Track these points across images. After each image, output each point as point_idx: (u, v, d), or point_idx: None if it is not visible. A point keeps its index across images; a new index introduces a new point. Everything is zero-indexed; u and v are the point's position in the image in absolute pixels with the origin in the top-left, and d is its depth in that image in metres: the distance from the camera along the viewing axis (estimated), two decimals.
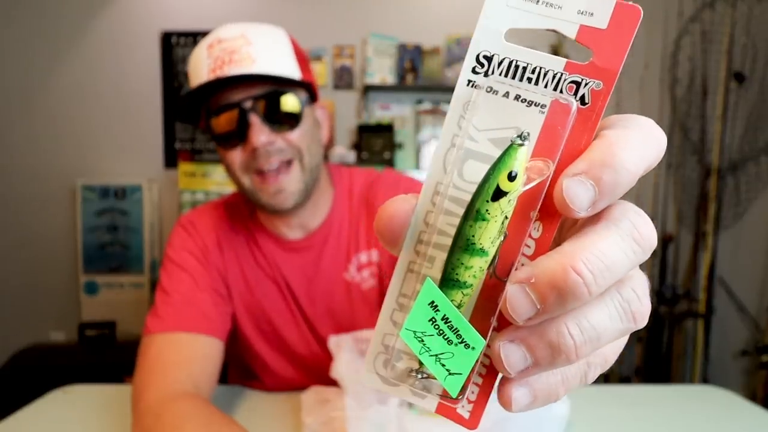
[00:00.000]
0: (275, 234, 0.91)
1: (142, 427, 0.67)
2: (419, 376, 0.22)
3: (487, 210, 0.20)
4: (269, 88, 0.79)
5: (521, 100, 0.21)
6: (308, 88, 0.85)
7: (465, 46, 2.74)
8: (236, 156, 0.81)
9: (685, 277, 2.76)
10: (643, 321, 0.21)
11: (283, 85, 0.80)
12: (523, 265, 0.21)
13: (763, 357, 2.58)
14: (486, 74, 0.21)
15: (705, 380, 2.62)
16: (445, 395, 0.22)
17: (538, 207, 0.21)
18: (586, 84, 0.20)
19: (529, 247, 0.21)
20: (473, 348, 0.21)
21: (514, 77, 0.21)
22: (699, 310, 2.59)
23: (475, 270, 0.21)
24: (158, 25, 2.76)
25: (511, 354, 0.20)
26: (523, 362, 0.20)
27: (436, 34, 2.77)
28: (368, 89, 2.74)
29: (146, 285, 2.70)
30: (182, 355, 0.77)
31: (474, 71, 0.21)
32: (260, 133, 0.78)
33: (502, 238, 0.20)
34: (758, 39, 2.67)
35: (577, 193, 0.19)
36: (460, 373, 0.21)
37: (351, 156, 2.67)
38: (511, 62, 0.21)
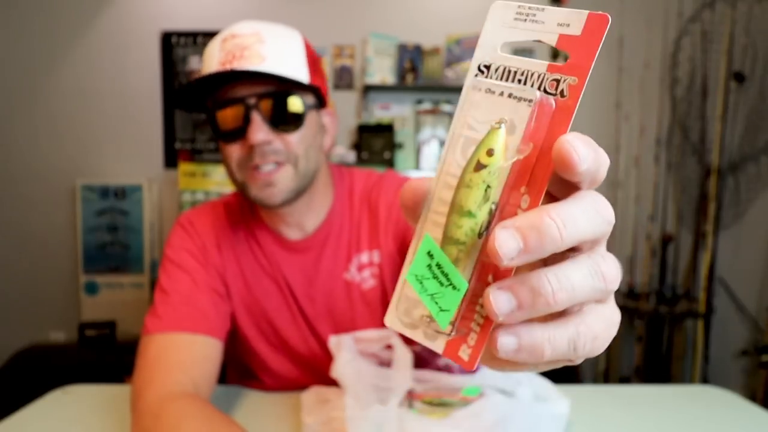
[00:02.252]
0: (276, 233, 0.91)
1: (142, 428, 0.67)
2: (429, 320, 0.27)
3: (470, 179, 0.25)
4: (275, 88, 0.79)
5: (513, 97, 0.25)
6: (317, 93, 0.85)
7: (465, 46, 2.74)
8: (234, 151, 0.81)
9: (685, 277, 2.76)
10: (612, 282, 0.25)
11: (289, 86, 0.80)
12: None
13: (763, 357, 2.58)
14: (486, 79, 0.27)
15: (705, 380, 2.62)
16: (451, 342, 0.27)
17: (524, 181, 0.25)
18: (564, 80, 0.25)
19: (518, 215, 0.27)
20: (458, 289, 0.26)
21: (507, 80, 0.26)
22: (699, 310, 2.59)
23: (465, 229, 0.25)
24: (158, 25, 2.76)
25: (498, 298, 0.24)
26: (508, 305, 0.24)
27: (436, 34, 2.77)
28: (368, 89, 2.74)
29: (146, 285, 2.70)
30: (181, 356, 0.77)
31: (476, 77, 0.27)
32: (259, 131, 0.78)
33: (490, 204, 0.25)
34: (758, 39, 2.67)
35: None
36: (449, 310, 0.26)
37: (351, 156, 2.67)
38: (505, 68, 0.26)
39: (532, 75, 0.26)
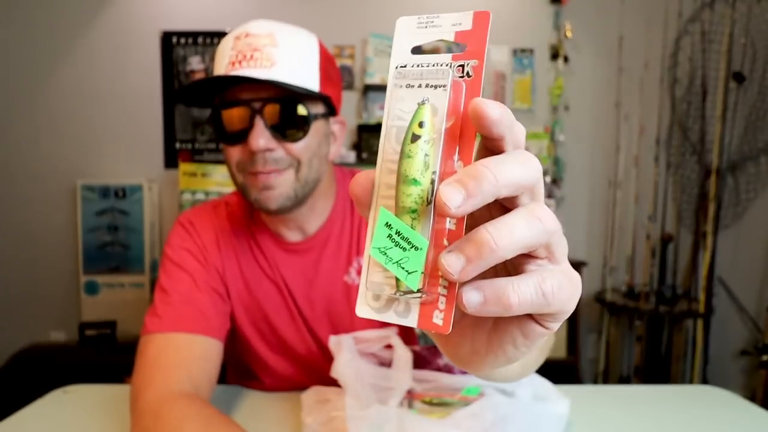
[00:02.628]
0: (276, 234, 0.91)
1: (141, 428, 0.67)
2: (398, 295, 0.29)
3: (410, 149, 0.28)
4: (281, 94, 0.77)
5: (430, 86, 0.29)
6: (327, 102, 0.83)
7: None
8: (235, 153, 0.81)
9: (684, 277, 2.76)
10: (549, 224, 0.28)
11: (296, 94, 0.78)
12: None
13: (762, 357, 2.58)
14: (404, 77, 0.30)
15: (704, 380, 2.62)
16: (423, 313, 0.29)
17: (454, 148, 0.29)
18: (468, 64, 0.30)
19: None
20: (420, 249, 0.28)
21: (422, 73, 0.30)
22: (698, 310, 2.59)
23: (414, 197, 0.28)
24: (158, 25, 2.76)
25: (448, 259, 0.27)
26: (458, 262, 0.26)
27: None
28: (368, 89, 2.74)
29: (146, 285, 2.70)
30: (181, 356, 0.77)
31: (396, 77, 0.31)
32: (260, 137, 0.77)
33: (431, 173, 0.28)
34: (758, 39, 2.67)
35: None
36: (416, 270, 0.28)
37: (351, 156, 2.67)
38: (419, 65, 0.30)
39: (441, 65, 0.30)
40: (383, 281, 0.30)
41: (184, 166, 2.64)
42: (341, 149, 0.92)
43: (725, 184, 2.70)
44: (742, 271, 2.78)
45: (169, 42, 2.77)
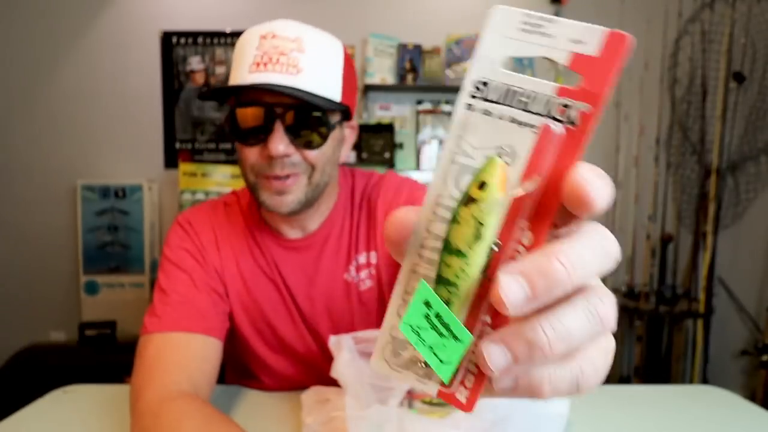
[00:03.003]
0: (275, 232, 0.91)
1: (141, 427, 0.67)
2: (423, 365, 0.25)
3: (459, 214, 0.22)
4: (304, 101, 0.77)
5: (514, 122, 0.23)
6: (346, 109, 0.83)
7: (465, 46, 2.74)
8: (252, 155, 0.80)
9: (684, 277, 2.76)
10: (609, 323, 0.24)
11: (319, 104, 0.78)
12: None
13: (762, 357, 2.58)
14: (484, 99, 0.23)
15: (705, 380, 2.62)
16: (443, 384, 0.25)
17: (526, 216, 0.23)
18: (575, 107, 0.22)
19: (519, 253, 0.24)
20: (461, 341, 0.23)
21: (508, 101, 0.23)
22: (698, 310, 2.59)
23: (455, 269, 0.23)
24: (158, 25, 2.76)
25: (493, 353, 0.23)
26: (504, 359, 0.22)
27: (436, 34, 2.77)
28: (368, 89, 2.74)
29: (146, 285, 2.70)
30: (180, 355, 0.77)
31: (472, 96, 0.24)
32: (280, 143, 0.76)
33: (486, 244, 0.23)
34: (758, 39, 2.67)
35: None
36: (451, 363, 0.24)
37: (351, 156, 2.67)
38: (506, 87, 0.23)
39: (537, 97, 0.23)
40: (407, 339, 0.25)
41: (184, 166, 2.64)
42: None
43: (725, 184, 2.70)
44: (742, 271, 2.78)
45: (169, 42, 2.77)
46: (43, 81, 2.76)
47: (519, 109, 0.23)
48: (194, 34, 2.77)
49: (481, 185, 0.22)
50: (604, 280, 0.26)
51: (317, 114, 0.78)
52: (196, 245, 0.88)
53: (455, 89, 2.75)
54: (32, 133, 2.77)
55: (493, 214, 0.22)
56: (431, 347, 0.24)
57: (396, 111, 2.81)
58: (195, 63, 2.78)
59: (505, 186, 0.22)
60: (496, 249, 0.23)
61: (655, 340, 2.67)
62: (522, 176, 0.23)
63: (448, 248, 0.23)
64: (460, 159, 0.24)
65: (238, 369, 1.00)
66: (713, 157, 2.62)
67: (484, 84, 0.23)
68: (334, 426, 0.70)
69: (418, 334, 0.24)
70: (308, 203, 0.84)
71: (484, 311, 0.24)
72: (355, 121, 0.91)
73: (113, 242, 2.71)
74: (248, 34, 0.80)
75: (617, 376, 2.75)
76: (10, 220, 2.79)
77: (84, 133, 2.78)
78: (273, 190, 0.80)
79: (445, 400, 0.25)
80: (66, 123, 2.77)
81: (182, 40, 2.77)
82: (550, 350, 0.22)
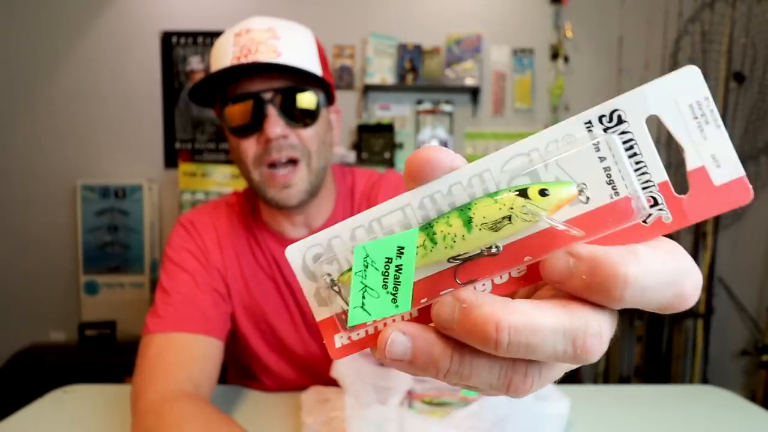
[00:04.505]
0: (277, 232, 0.91)
1: (142, 427, 0.67)
2: (333, 287, 0.23)
3: (500, 194, 0.21)
4: (290, 83, 0.80)
5: (607, 174, 0.21)
6: (326, 90, 0.86)
7: (465, 46, 2.74)
8: (249, 147, 0.81)
9: None
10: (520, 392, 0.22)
11: (303, 82, 0.81)
12: (475, 288, 0.22)
13: (762, 357, 2.58)
14: (605, 129, 0.21)
15: (705, 380, 2.62)
16: (339, 317, 0.23)
17: (530, 260, 0.22)
18: (662, 210, 0.21)
19: (500, 278, 0.22)
20: (397, 307, 0.21)
21: (620, 154, 0.21)
22: (699, 310, 2.59)
23: (448, 232, 0.21)
24: (158, 25, 2.76)
25: (395, 341, 0.21)
26: (401, 352, 0.21)
27: (436, 34, 2.77)
28: (368, 89, 2.74)
29: (146, 285, 2.70)
30: (182, 356, 0.77)
31: (600, 119, 0.21)
32: (276, 125, 0.79)
33: (492, 240, 0.21)
34: (758, 39, 2.67)
35: (559, 265, 0.20)
36: (369, 314, 0.21)
37: (351, 156, 2.67)
38: (630, 139, 0.21)
39: (644, 173, 0.21)
40: (342, 257, 0.23)
41: (184, 166, 2.64)
42: (339, 145, 0.94)
43: None
44: (742, 271, 2.78)
45: (169, 42, 2.77)
46: (43, 81, 2.76)
47: (620, 168, 0.21)
48: (194, 34, 2.77)
49: (542, 192, 0.20)
50: None
51: (306, 92, 0.81)
52: (198, 246, 0.88)
53: (455, 89, 2.75)
54: (32, 133, 2.77)
55: (525, 221, 0.21)
56: (365, 288, 0.21)
57: (396, 111, 2.81)
58: (195, 63, 2.78)
59: (556, 212, 0.21)
60: (494, 251, 0.21)
61: (655, 340, 2.67)
62: (574, 220, 0.21)
63: (463, 210, 0.21)
64: (534, 156, 0.22)
65: (238, 370, 1.00)
66: None
67: (620, 119, 0.21)
68: (334, 426, 0.70)
69: (366, 268, 0.21)
70: (313, 191, 0.86)
71: (426, 293, 0.22)
72: (338, 106, 0.93)
73: (113, 242, 2.71)
74: (222, 37, 0.83)
75: (617, 376, 2.75)
76: (10, 219, 2.79)
77: (84, 133, 2.78)
78: (278, 185, 0.82)
79: (323, 332, 0.23)
80: (66, 123, 2.77)
81: (182, 40, 2.77)
82: (442, 377, 0.21)
